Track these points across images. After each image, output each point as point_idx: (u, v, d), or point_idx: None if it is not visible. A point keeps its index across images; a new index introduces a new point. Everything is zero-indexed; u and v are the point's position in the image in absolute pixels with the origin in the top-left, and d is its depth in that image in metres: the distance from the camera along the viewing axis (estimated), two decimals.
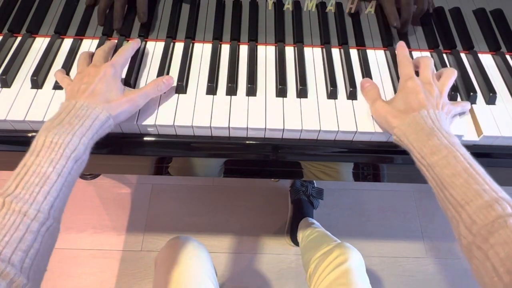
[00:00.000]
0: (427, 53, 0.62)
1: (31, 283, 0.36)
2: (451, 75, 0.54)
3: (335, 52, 0.61)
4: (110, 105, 0.47)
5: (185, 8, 0.64)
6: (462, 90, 0.58)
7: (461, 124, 0.54)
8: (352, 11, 0.65)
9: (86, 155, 0.44)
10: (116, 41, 0.59)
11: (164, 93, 0.54)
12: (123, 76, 0.55)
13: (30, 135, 0.53)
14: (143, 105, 0.51)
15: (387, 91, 0.57)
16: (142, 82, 0.56)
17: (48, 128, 0.42)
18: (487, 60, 0.62)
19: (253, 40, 0.61)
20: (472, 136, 0.53)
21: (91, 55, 0.55)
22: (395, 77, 0.58)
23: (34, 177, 0.39)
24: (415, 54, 0.62)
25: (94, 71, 0.49)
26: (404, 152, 0.55)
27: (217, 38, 0.61)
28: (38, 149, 0.41)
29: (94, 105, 0.46)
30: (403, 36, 0.63)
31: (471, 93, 0.56)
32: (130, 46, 0.55)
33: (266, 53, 0.60)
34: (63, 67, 0.56)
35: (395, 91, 0.57)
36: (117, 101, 0.48)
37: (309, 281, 0.81)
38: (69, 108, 0.45)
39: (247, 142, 0.54)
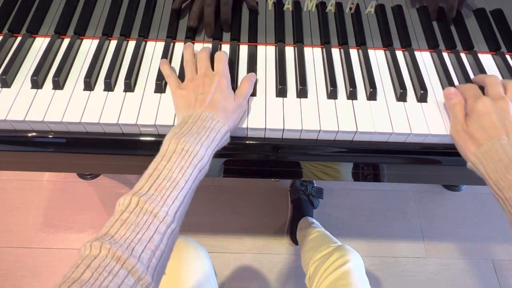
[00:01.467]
0: (427, 53, 0.62)
1: (154, 283, 0.36)
2: None
3: (335, 52, 0.61)
4: (227, 116, 0.49)
5: (185, 8, 0.64)
6: None
7: None
8: (352, 11, 0.65)
9: (208, 165, 0.45)
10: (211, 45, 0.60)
11: (165, 92, 0.54)
12: (122, 77, 0.55)
13: (30, 135, 0.53)
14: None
15: (387, 91, 0.57)
16: (141, 82, 0.56)
17: (178, 135, 0.44)
18: (487, 60, 0.62)
19: (253, 40, 0.61)
20: None
21: (194, 59, 0.56)
22: (395, 76, 0.58)
23: (165, 181, 0.41)
24: (416, 53, 0.61)
25: (209, 81, 0.51)
26: (404, 152, 0.55)
27: (217, 38, 0.61)
28: (169, 154, 0.43)
29: (217, 117, 0.48)
30: (404, 36, 0.63)
31: None
32: (224, 54, 0.55)
33: (266, 53, 0.60)
34: (60, 66, 0.56)
35: (395, 91, 0.57)
36: (231, 109, 0.50)
37: (308, 283, 0.81)
38: (195, 117, 0.47)
39: (247, 142, 0.54)
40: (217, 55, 0.54)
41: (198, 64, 0.54)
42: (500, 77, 0.60)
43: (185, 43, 0.60)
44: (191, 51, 0.56)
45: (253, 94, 0.55)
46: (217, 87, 0.50)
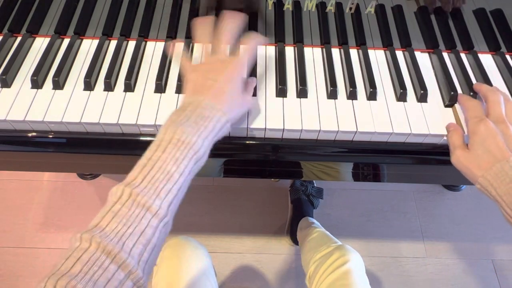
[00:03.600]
0: (426, 54, 0.62)
1: (145, 276, 0.36)
2: None
3: (335, 52, 0.61)
4: (231, 108, 0.47)
5: (185, 8, 0.64)
6: (464, 89, 0.58)
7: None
8: (352, 11, 0.65)
9: (205, 157, 0.44)
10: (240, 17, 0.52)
11: (165, 92, 0.54)
12: (122, 77, 0.55)
13: (30, 135, 0.53)
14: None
15: (387, 91, 0.57)
16: (141, 82, 0.56)
17: (176, 123, 0.43)
18: (487, 60, 0.62)
19: None
20: None
21: (211, 30, 0.51)
22: (395, 77, 0.58)
23: (159, 173, 0.39)
24: (416, 53, 0.62)
25: (222, 67, 0.48)
26: (404, 152, 0.55)
27: None
28: (165, 144, 0.41)
29: (219, 106, 0.45)
30: (404, 36, 0.63)
31: (471, 93, 0.56)
32: (257, 40, 0.51)
33: (266, 53, 0.60)
34: (60, 66, 0.56)
35: (395, 92, 0.57)
36: (238, 103, 0.48)
37: (308, 283, 0.81)
38: (195, 105, 0.45)
39: (247, 142, 0.54)
40: (250, 36, 0.51)
41: (219, 36, 0.50)
42: (501, 76, 0.60)
43: (185, 43, 0.60)
44: (212, 19, 0.52)
45: (253, 94, 0.55)
46: (229, 75, 0.48)
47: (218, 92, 0.47)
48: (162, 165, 0.40)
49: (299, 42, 0.61)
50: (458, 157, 0.49)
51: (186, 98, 0.48)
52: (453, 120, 0.55)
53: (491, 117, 0.49)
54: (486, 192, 0.46)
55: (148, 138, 0.53)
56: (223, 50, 0.50)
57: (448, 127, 0.53)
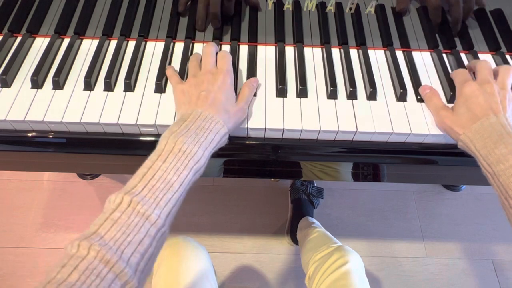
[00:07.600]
0: (427, 53, 0.62)
1: (140, 285, 0.36)
2: (508, 70, 0.51)
3: (335, 52, 0.61)
4: (229, 117, 0.48)
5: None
6: None
7: None
8: (352, 11, 0.65)
9: (204, 167, 0.44)
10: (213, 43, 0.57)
11: (165, 92, 0.54)
12: (122, 77, 0.55)
13: (30, 135, 0.53)
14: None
15: (387, 91, 0.57)
16: (141, 82, 0.56)
17: (176, 134, 0.43)
18: (487, 60, 0.62)
19: (253, 40, 0.61)
20: None
21: (200, 58, 0.55)
22: (395, 77, 0.58)
23: (160, 183, 0.40)
24: (415, 54, 0.62)
25: (212, 79, 0.50)
26: (404, 152, 0.55)
27: (217, 38, 0.61)
28: (165, 154, 0.42)
29: (217, 118, 0.47)
30: (403, 36, 0.63)
31: None
32: (228, 53, 0.54)
33: (266, 53, 0.60)
34: (60, 66, 0.56)
35: (395, 91, 0.57)
36: (233, 111, 0.49)
37: (308, 283, 0.81)
38: (194, 116, 0.46)
39: (247, 142, 0.54)
40: (221, 53, 0.54)
41: (202, 59, 0.53)
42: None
43: (185, 43, 0.60)
44: (198, 54, 0.56)
45: (254, 94, 0.55)
46: (220, 86, 0.49)
47: (215, 103, 0.48)
48: (162, 174, 0.40)
49: (299, 42, 0.61)
50: (442, 118, 0.51)
51: (183, 109, 0.49)
52: None
53: (478, 80, 0.51)
54: (466, 148, 0.48)
55: (148, 138, 0.53)
56: (210, 64, 0.52)
57: (423, 90, 0.55)
